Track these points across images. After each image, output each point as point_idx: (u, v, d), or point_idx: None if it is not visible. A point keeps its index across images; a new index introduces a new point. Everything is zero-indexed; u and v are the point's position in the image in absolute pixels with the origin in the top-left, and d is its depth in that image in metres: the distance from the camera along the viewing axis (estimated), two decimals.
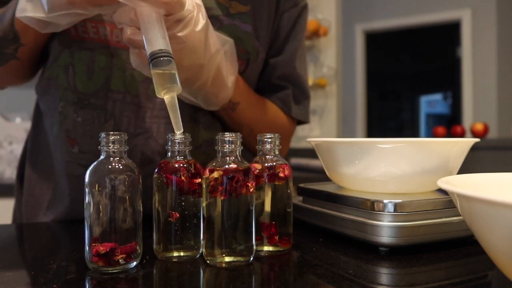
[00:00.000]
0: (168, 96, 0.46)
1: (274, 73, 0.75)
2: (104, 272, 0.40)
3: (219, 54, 0.57)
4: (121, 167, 0.41)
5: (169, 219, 0.44)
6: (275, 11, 0.73)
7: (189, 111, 0.66)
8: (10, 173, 1.75)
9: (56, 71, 0.64)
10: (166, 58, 0.46)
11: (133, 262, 0.42)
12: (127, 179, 0.41)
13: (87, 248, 0.41)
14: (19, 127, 1.76)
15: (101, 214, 0.41)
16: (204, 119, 0.68)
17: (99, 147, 0.42)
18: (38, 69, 0.73)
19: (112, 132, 0.42)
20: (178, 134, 0.45)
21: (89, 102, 0.63)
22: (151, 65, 0.46)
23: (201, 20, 0.51)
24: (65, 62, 0.64)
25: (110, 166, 0.41)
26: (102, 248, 0.40)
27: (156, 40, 0.46)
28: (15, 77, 0.71)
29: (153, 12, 0.47)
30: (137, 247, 0.42)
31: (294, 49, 0.76)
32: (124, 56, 0.63)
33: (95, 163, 0.42)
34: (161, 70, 0.46)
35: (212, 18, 0.65)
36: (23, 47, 0.63)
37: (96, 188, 0.40)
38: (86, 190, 0.41)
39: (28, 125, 1.77)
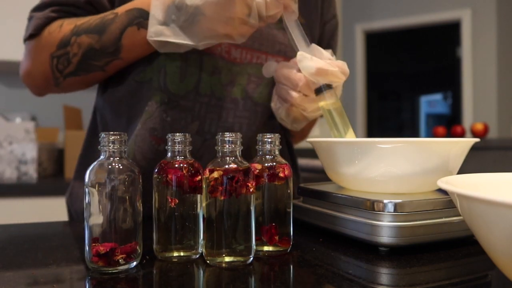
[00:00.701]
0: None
1: None
2: (104, 272, 0.40)
3: None
4: (121, 167, 0.41)
5: (170, 205, 0.44)
6: (320, 20, 0.80)
7: (269, 116, 0.73)
8: (10, 173, 1.75)
9: (150, 74, 0.66)
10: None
11: (133, 262, 0.42)
12: (127, 179, 0.41)
13: (87, 248, 0.41)
14: (19, 127, 1.76)
15: (101, 214, 0.41)
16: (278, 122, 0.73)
17: (99, 147, 0.42)
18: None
19: (112, 132, 0.42)
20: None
21: (179, 104, 0.66)
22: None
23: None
24: (159, 64, 0.65)
25: (110, 166, 0.41)
26: (102, 248, 0.40)
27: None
28: (83, 86, 0.71)
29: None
30: (137, 247, 0.42)
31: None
32: (212, 61, 0.66)
33: (95, 163, 0.42)
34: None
35: (283, 28, 0.69)
36: (120, 61, 0.64)
37: (96, 188, 0.41)
38: (86, 190, 0.41)
39: (28, 125, 1.77)
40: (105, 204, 0.41)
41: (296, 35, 0.60)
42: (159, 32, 0.58)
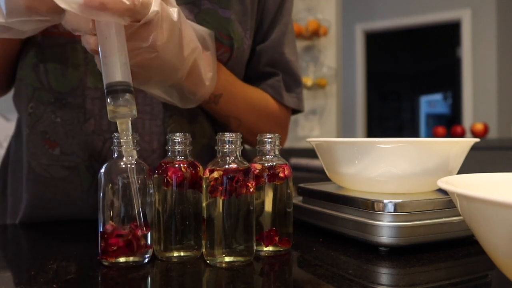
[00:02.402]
0: (121, 121, 0.42)
1: (262, 60, 0.72)
2: (115, 264, 0.40)
3: (196, 52, 0.53)
4: (133, 167, 0.42)
5: (170, 205, 0.44)
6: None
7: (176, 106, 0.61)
8: None
9: (25, 71, 0.62)
10: (123, 92, 0.41)
11: (148, 251, 0.43)
12: (139, 177, 0.43)
13: (100, 246, 0.42)
14: None
15: (114, 213, 0.42)
16: (188, 113, 0.65)
17: (112, 147, 0.43)
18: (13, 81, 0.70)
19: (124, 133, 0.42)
20: (129, 158, 0.42)
21: (67, 101, 0.60)
22: (108, 98, 0.41)
23: (173, 17, 0.46)
24: (33, 60, 0.61)
25: (122, 166, 0.42)
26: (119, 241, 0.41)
27: (114, 67, 0.41)
28: None
29: (113, 24, 0.40)
30: (149, 234, 0.43)
31: (281, 33, 0.73)
32: None
33: (107, 163, 0.43)
34: (115, 107, 0.41)
35: (190, 3, 0.62)
36: None
37: (110, 187, 0.42)
38: (101, 191, 0.42)
39: None
40: (119, 202, 0.42)
41: None
42: None
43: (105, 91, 0.41)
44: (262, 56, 0.72)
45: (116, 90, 0.40)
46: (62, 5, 0.39)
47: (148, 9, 0.42)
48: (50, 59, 0.60)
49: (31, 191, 0.63)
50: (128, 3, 0.39)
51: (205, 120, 0.68)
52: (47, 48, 0.60)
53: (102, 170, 0.43)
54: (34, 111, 0.61)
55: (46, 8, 0.42)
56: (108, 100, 0.41)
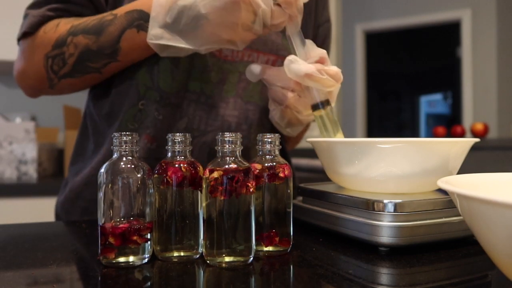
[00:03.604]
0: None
1: None
2: (114, 265, 0.40)
3: None
4: (132, 166, 0.43)
5: (170, 205, 0.44)
6: (313, 23, 0.80)
7: (263, 116, 0.72)
8: (10, 173, 1.75)
9: (141, 73, 0.65)
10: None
11: (148, 251, 0.43)
12: (139, 178, 0.43)
13: (100, 242, 0.42)
14: (19, 127, 1.76)
15: (114, 213, 0.42)
16: (270, 124, 0.73)
17: (112, 147, 0.44)
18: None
19: (124, 133, 0.43)
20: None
21: (170, 101, 0.66)
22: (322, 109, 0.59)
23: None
24: (149, 61, 0.65)
25: (122, 166, 0.43)
26: (119, 228, 0.41)
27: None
28: (78, 88, 0.70)
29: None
30: (150, 229, 0.44)
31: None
32: (202, 58, 0.66)
33: (107, 163, 0.43)
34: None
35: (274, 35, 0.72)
36: (117, 63, 0.63)
37: (109, 187, 0.42)
38: (100, 190, 0.42)
39: (28, 125, 1.77)
40: (119, 202, 0.42)
41: (298, 45, 0.59)
42: (159, 35, 0.57)
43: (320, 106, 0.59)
44: None
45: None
46: (291, 75, 0.57)
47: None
48: (163, 62, 0.65)
49: None
50: (333, 84, 0.58)
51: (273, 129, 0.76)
52: None
53: (102, 170, 0.43)
54: (144, 108, 0.66)
55: (242, 40, 0.57)
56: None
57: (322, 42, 0.83)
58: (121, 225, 0.42)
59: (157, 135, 0.66)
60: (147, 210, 0.44)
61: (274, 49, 0.72)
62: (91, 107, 0.73)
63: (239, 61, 0.69)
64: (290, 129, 0.67)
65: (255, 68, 0.62)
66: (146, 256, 0.43)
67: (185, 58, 0.65)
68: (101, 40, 0.61)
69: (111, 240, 0.41)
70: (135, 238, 0.42)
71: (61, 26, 0.64)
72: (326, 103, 0.59)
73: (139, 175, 0.43)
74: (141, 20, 0.60)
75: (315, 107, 0.59)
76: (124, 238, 0.42)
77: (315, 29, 0.81)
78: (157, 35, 0.57)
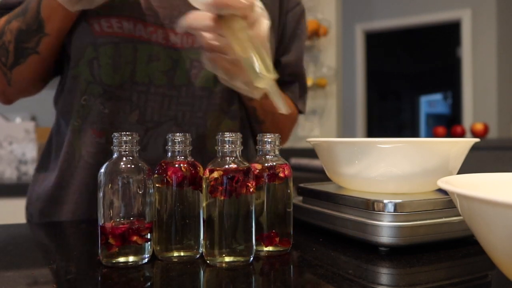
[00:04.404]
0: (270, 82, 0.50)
1: (286, 71, 0.80)
2: (115, 264, 0.40)
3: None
4: (132, 166, 0.43)
5: (170, 205, 0.44)
6: (279, 11, 0.77)
7: (220, 102, 0.70)
8: (10, 173, 1.75)
9: (81, 68, 0.66)
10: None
11: (148, 251, 0.43)
12: (139, 178, 0.43)
13: (100, 242, 0.42)
14: (19, 127, 1.76)
15: (114, 213, 0.42)
16: (231, 110, 0.71)
17: (111, 147, 0.43)
18: (55, 73, 0.74)
19: (123, 133, 0.43)
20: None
21: (115, 94, 0.66)
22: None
23: (266, 20, 0.54)
24: (89, 57, 0.65)
25: (122, 166, 0.42)
26: (119, 229, 0.42)
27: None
28: (33, 79, 0.70)
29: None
30: (150, 229, 0.44)
31: (301, 48, 0.82)
32: (147, 48, 0.65)
33: (107, 163, 0.43)
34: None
35: None
36: (46, 37, 0.64)
37: (109, 187, 0.42)
38: (100, 190, 0.42)
39: (28, 125, 1.77)
40: (119, 202, 0.42)
41: None
42: None
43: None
44: (287, 68, 0.80)
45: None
46: (194, 3, 0.49)
47: (255, 8, 0.50)
48: (103, 56, 0.65)
49: (80, 177, 0.67)
50: (247, 3, 0.49)
51: (242, 117, 0.74)
52: (101, 46, 0.65)
53: (102, 170, 0.43)
54: (87, 103, 0.66)
55: None
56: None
57: (295, 27, 0.80)
58: (121, 225, 0.42)
59: (106, 128, 0.66)
60: (147, 210, 0.44)
61: None
62: (55, 108, 0.74)
63: (189, 47, 0.68)
64: (239, 84, 0.59)
65: (181, 21, 0.55)
66: (146, 256, 0.43)
67: (127, 50, 0.65)
68: (27, 18, 0.62)
69: (111, 240, 0.41)
70: (135, 238, 0.42)
71: (1, 21, 0.66)
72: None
73: (139, 175, 0.43)
74: None
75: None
76: (124, 238, 0.42)
77: (283, 16, 0.78)
78: None
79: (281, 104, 0.50)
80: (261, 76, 0.49)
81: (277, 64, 0.78)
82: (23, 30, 0.63)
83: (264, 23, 0.53)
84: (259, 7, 0.52)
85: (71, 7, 0.58)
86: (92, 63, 0.65)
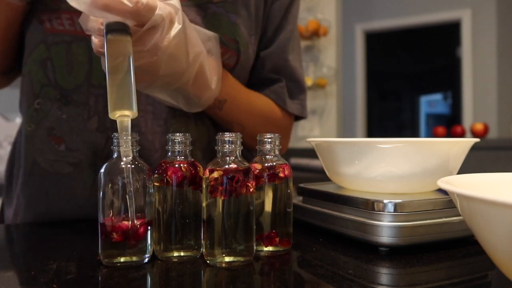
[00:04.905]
0: (121, 119, 0.41)
1: (266, 66, 0.72)
2: (115, 264, 0.40)
3: (201, 56, 0.54)
4: (132, 166, 0.42)
5: (170, 205, 0.44)
6: (264, 0, 0.70)
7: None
8: None
9: (30, 66, 0.62)
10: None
11: (148, 251, 0.43)
12: (139, 178, 0.43)
13: (100, 243, 0.42)
14: None
15: (114, 212, 0.42)
16: (197, 113, 0.65)
17: (112, 147, 0.43)
18: (13, 71, 0.70)
19: (124, 132, 0.42)
20: (126, 159, 0.42)
21: (72, 98, 0.61)
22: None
23: (176, 25, 0.46)
24: (41, 56, 0.61)
25: (123, 166, 0.42)
26: (119, 229, 0.42)
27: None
28: None
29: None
30: (150, 229, 0.44)
31: (286, 39, 0.73)
32: None
33: (107, 163, 0.43)
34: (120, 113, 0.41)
35: (197, 7, 0.63)
36: None
37: (109, 187, 0.42)
38: (100, 191, 0.42)
39: None
40: (119, 203, 0.42)
41: None
42: None
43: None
44: (266, 62, 0.72)
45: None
46: (73, 3, 0.41)
47: (153, 13, 0.43)
48: (56, 56, 0.61)
49: (36, 186, 0.63)
50: (131, 5, 0.41)
51: (210, 122, 0.68)
52: (53, 45, 0.61)
53: (102, 170, 0.43)
54: (41, 107, 0.62)
55: None
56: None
57: (281, 18, 0.72)
58: (121, 225, 0.42)
59: (64, 136, 0.61)
60: (147, 210, 0.44)
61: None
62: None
63: None
64: (163, 97, 0.55)
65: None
66: (146, 256, 0.43)
67: (81, 50, 0.60)
68: None
69: (111, 240, 0.41)
70: (134, 238, 0.42)
71: None
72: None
73: (139, 175, 0.43)
74: None
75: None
76: (124, 238, 0.42)
77: (267, 6, 0.71)
78: None
79: (124, 148, 0.42)
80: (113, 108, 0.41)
81: (256, 59, 0.72)
82: None
83: (174, 29, 0.46)
84: (165, 8, 0.44)
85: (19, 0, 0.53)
86: (46, 63, 0.61)
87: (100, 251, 0.42)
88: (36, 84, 0.62)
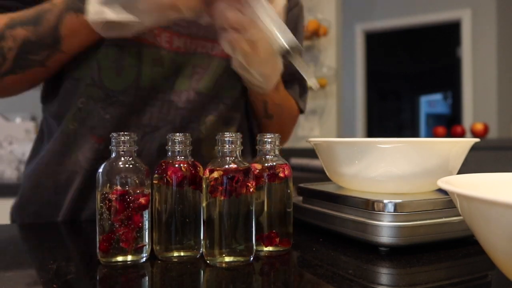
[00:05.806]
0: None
1: (285, 71, 0.77)
2: (114, 264, 0.40)
3: None
4: (131, 166, 0.43)
5: (170, 205, 0.44)
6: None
7: (219, 108, 0.70)
8: (10, 173, 1.75)
9: (80, 68, 0.63)
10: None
11: (145, 250, 0.43)
12: (136, 177, 0.43)
13: (99, 242, 0.42)
14: (19, 127, 1.76)
15: (113, 212, 0.42)
16: (229, 116, 0.71)
17: (110, 147, 0.43)
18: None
19: (123, 133, 0.43)
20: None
21: (118, 99, 0.63)
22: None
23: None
24: (92, 59, 0.62)
25: (121, 166, 0.42)
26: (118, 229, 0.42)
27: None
28: (26, 86, 0.66)
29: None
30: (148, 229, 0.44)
31: None
32: (152, 52, 0.63)
33: (105, 163, 0.43)
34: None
35: None
36: (60, 54, 0.60)
37: (108, 187, 0.42)
38: (98, 190, 0.42)
39: (28, 125, 1.77)
40: (118, 202, 0.42)
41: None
42: (100, 11, 0.54)
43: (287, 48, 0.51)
44: (286, 68, 0.78)
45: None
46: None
47: None
48: (105, 59, 0.62)
49: (76, 184, 0.64)
50: None
51: (240, 124, 0.74)
52: (104, 48, 0.62)
53: (100, 170, 0.43)
54: (84, 107, 0.63)
55: (187, 5, 0.52)
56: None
57: (293, 28, 0.78)
58: (119, 225, 0.42)
59: (106, 135, 0.62)
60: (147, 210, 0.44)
61: None
62: (43, 108, 0.72)
63: (192, 52, 0.66)
64: (255, 73, 0.62)
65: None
66: (144, 255, 0.43)
67: (131, 53, 0.62)
68: (40, 29, 0.57)
69: (110, 239, 0.41)
70: (133, 237, 0.42)
71: None
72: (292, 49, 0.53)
73: (137, 175, 0.43)
74: (79, 2, 0.56)
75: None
76: (123, 237, 0.42)
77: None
78: (97, 11, 0.54)
79: (310, 76, 0.52)
80: (285, 49, 0.51)
81: None
82: (32, 41, 0.58)
83: (280, 1, 0.55)
84: None
85: (104, 33, 0.56)
86: (93, 65, 0.62)
87: (98, 251, 0.42)
88: (82, 84, 0.63)
